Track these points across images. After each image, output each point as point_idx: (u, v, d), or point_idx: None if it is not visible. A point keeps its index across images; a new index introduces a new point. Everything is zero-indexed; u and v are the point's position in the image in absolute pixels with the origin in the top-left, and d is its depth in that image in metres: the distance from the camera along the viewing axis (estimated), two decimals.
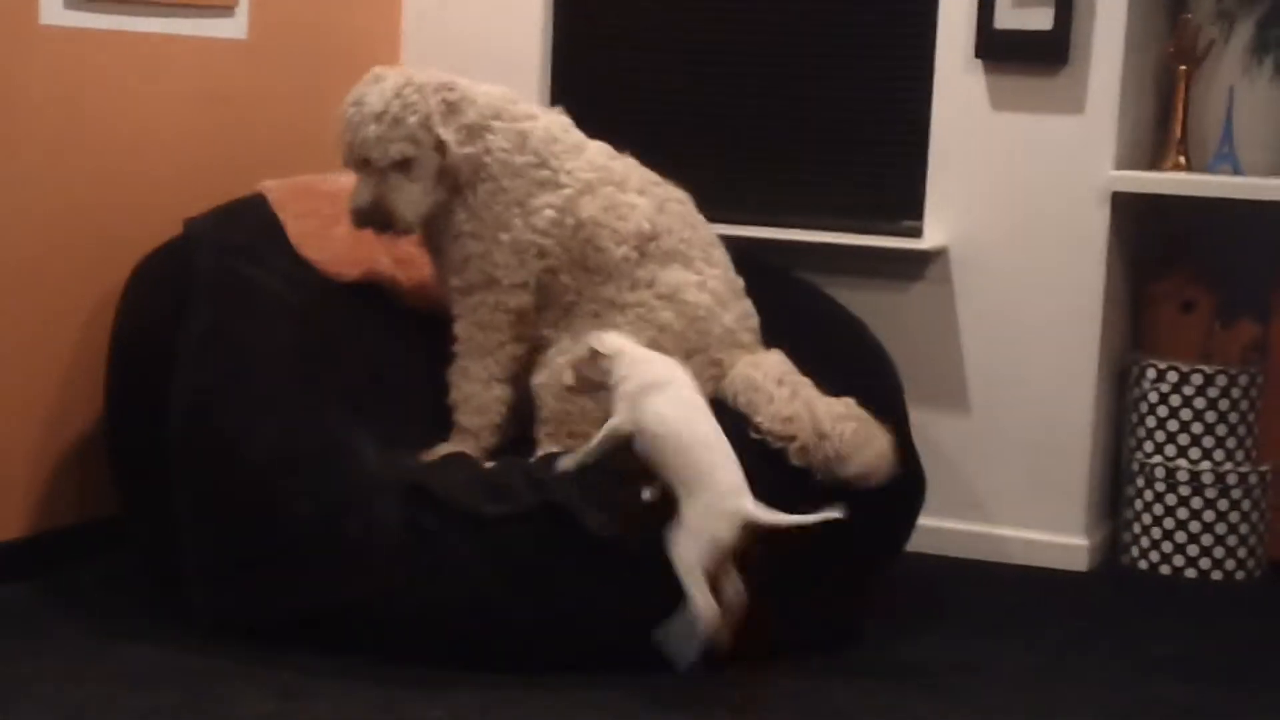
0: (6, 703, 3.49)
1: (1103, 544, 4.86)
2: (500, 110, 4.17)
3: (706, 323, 4.12)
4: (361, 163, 4.08)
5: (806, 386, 4.01)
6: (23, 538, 4.25)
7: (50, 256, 4.27)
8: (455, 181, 4.12)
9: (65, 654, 3.77)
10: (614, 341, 3.85)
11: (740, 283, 4.27)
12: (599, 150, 4.24)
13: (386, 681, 3.65)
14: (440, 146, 4.06)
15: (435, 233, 4.20)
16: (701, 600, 3.55)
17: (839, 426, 3.89)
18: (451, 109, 4.09)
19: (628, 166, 4.25)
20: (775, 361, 4.10)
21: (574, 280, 4.15)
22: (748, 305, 4.25)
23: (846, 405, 3.95)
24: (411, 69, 4.17)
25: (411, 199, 4.08)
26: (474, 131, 4.11)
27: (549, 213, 4.13)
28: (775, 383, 4.00)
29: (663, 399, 3.74)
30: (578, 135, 4.25)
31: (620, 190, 4.18)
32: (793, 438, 3.90)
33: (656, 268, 4.14)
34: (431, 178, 4.09)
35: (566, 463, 3.84)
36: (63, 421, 4.34)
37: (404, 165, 4.06)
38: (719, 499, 3.61)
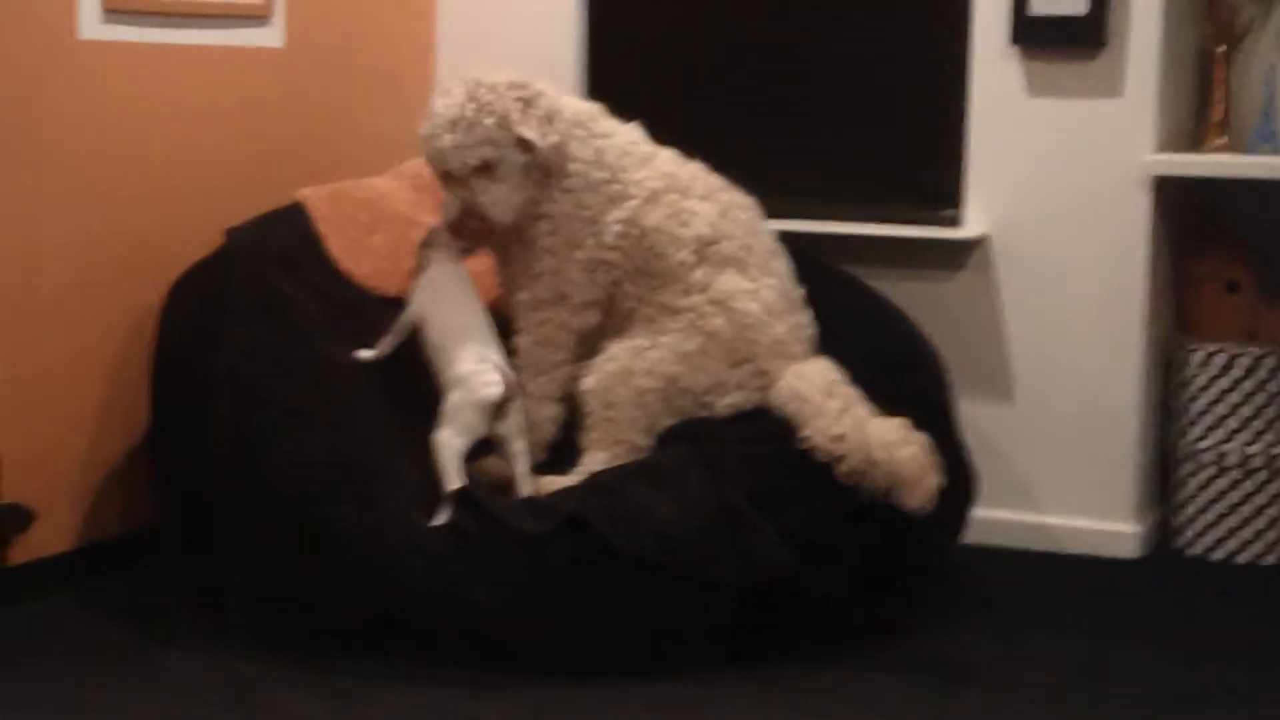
0: (58, 713, 3.52)
1: (1153, 530, 4.82)
2: (583, 123, 4.18)
3: (756, 331, 4.10)
4: (444, 175, 4.11)
5: (856, 402, 3.96)
6: (70, 550, 4.28)
7: (92, 269, 4.29)
8: (544, 175, 4.11)
9: (114, 663, 3.79)
10: (436, 235, 4.20)
11: (798, 294, 4.25)
12: (667, 158, 4.24)
13: (436, 684, 3.66)
14: (522, 143, 4.06)
15: (511, 239, 4.19)
16: (454, 485, 3.83)
17: (895, 454, 3.81)
18: (528, 104, 4.09)
19: (694, 173, 4.24)
20: (821, 370, 4.06)
21: (635, 287, 4.15)
22: (803, 316, 4.23)
23: (898, 429, 3.86)
24: (482, 72, 4.15)
25: (499, 199, 4.08)
26: (553, 121, 4.11)
27: (617, 227, 4.13)
28: (823, 395, 3.95)
29: (426, 297, 4.08)
30: (648, 147, 4.25)
31: (684, 197, 4.18)
32: (841, 458, 3.84)
33: (712, 272, 4.13)
34: (519, 175, 4.09)
35: (365, 355, 4.07)
36: (107, 434, 4.36)
37: (486, 169, 4.07)
38: (467, 393, 3.93)
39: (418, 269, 4.19)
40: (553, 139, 4.09)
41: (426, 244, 4.19)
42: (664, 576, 3.73)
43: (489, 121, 4.04)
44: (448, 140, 4.06)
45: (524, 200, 4.10)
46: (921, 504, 3.81)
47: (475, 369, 3.98)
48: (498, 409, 3.95)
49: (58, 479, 4.26)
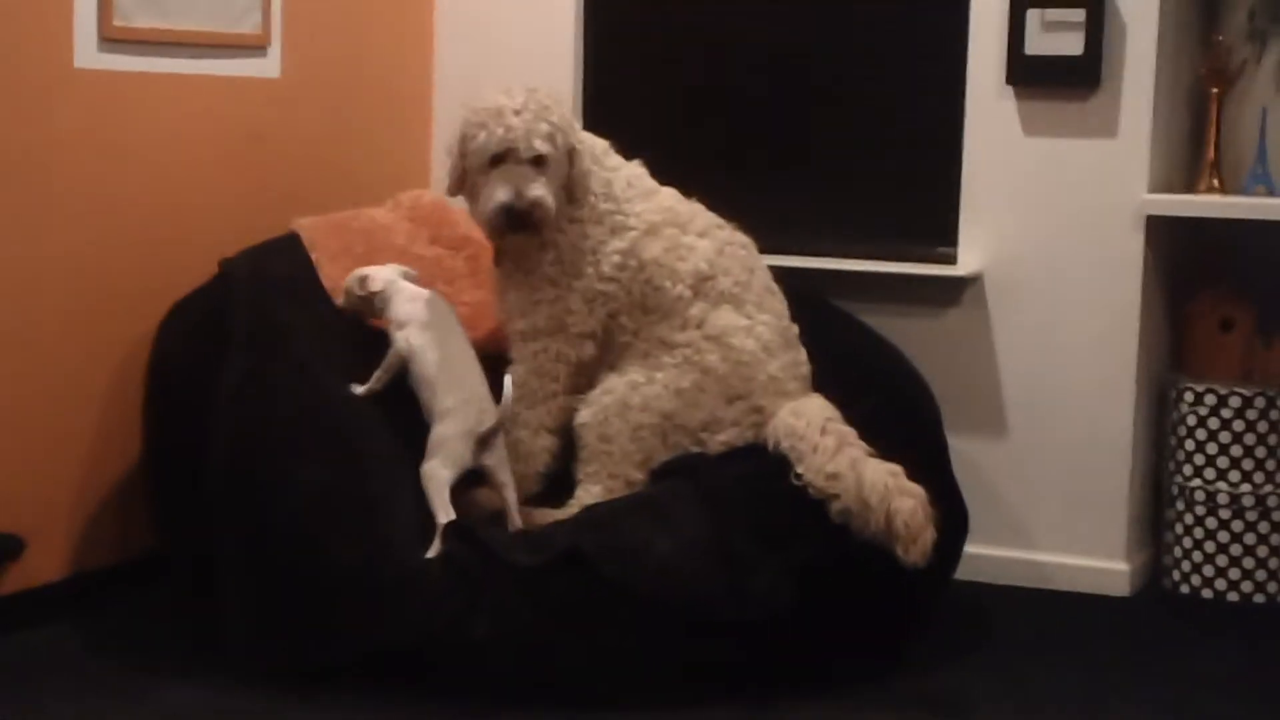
0: None
1: (1144, 568, 4.83)
2: (596, 157, 4.22)
3: (751, 369, 4.11)
4: (497, 159, 4.08)
5: (852, 441, 3.96)
6: (63, 579, 4.26)
7: (86, 297, 4.28)
8: (569, 197, 4.13)
9: (108, 695, 3.77)
10: (383, 275, 4.19)
11: (794, 331, 4.27)
12: (668, 194, 4.28)
13: (430, 715, 3.64)
14: (571, 155, 4.10)
15: (511, 267, 4.20)
16: (444, 518, 3.83)
17: (892, 506, 3.80)
18: (570, 125, 4.17)
19: (694, 210, 4.28)
20: (817, 408, 4.07)
21: (632, 321, 4.17)
22: (799, 354, 4.24)
23: (895, 476, 3.86)
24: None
25: (550, 195, 4.08)
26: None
27: (616, 258, 4.15)
28: (819, 432, 3.96)
29: (412, 331, 4.08)
30: (651, 183, 4.29)
31: (683, 232, 4.20)
32: (835, 496, 3.86)
33: (708, 307, 4.14)
34: (559, 182, 4.11)
35: (357, 390, 4.06)
36: (101, 462, 4.35)
37: (540, 162, 4.07)
38: (453, 425, 3.94)
39: (389, 305, 4.17)
40: (587, 165, 4.15)
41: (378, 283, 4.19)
42: (661, 611, 3.73)
43: (555, 119, 4.11)
44: (520, 121, 4.07)
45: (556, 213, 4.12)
46: (917, 559, 3.80)
47: (461, 400, 3.98)
48: (484, 440, 3.95)
49: (51, 507, 4.24)
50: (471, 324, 4.30)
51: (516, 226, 4.10)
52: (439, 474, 3.89)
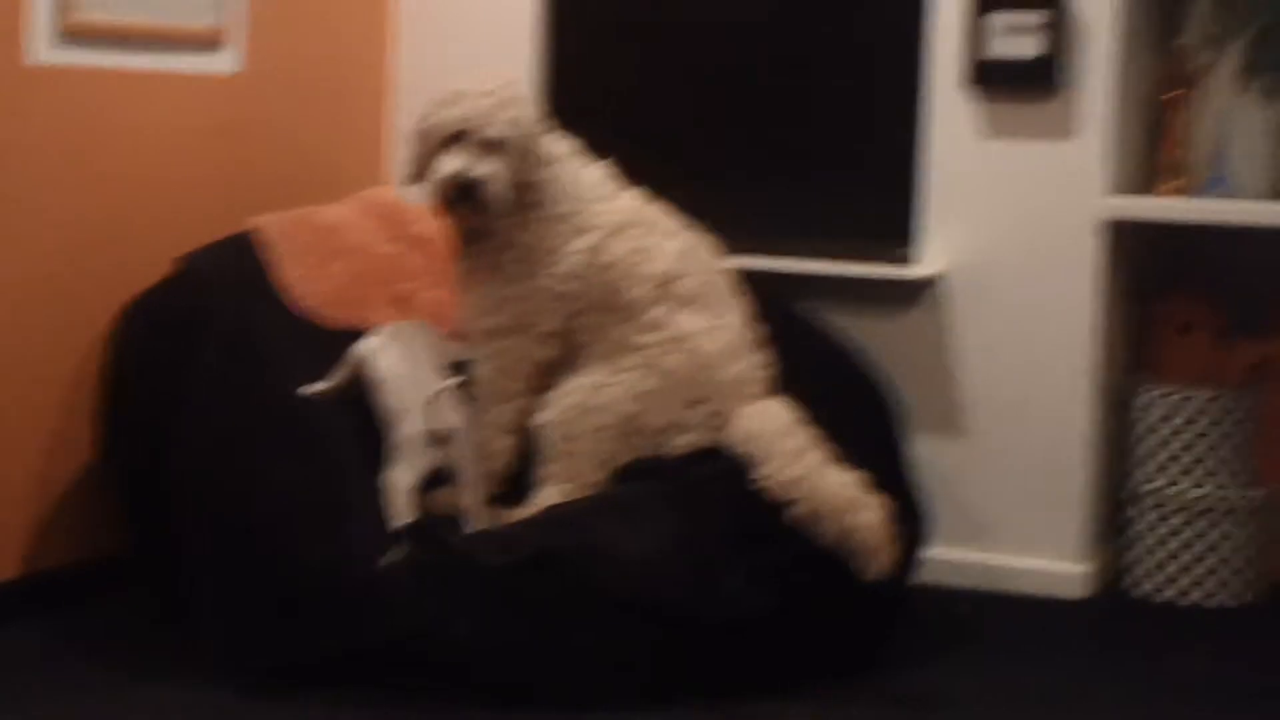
0: None
1: (1102, 570, 4.84)
2: (564, 157, 4.20)
3: (712, 371, 4.10)
4: (453, 137, 4.06)
5: (813, 445, 3.96)
6: (20, 577, 4.22)
7: (42, 294, 4.24)
8: (520, 198, 4.10)
9: (76, 695, 3.73)
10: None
11: (756, 334, 4.25)
12: (633, 196, 4.26)
13: (407, 715, 3.64)
14: (530, 152, 4.08)
15: (474, 264, 4.18)
16: (399, 523, 3.82)
17: (855, 521, 3.82)
18: (534, 123, 4.16)
19: (657, 212, 4.26)
20: (777, 412, 4.06)
21: (594, 322, 4.14)
22: (761, 357, 4.23)
23: (856, 488, 3.86)
24: None
25: (500, 178, 4.05)
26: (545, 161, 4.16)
27: (579, 258, 4.13)
28: (780, 435, 3.96)
29: (365, 339, 4.07)
30: (617, 184, 4.26)
31: (647, 233, 4.18)
32: (793, 502, 3.85)
33: (672, 309, 4.12)
34: (514, 175, 4.07)
35: (313, 389, 4.05)
36: (58, 460, 4.31)
37: (495, 147, 4.04)
38: (409, 428, 3.93)
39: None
40: (551, 168, 4.14)
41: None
42: (632, 611, 3.72)
43: (517, 112, 4.09)
44: (480, 104, 4.06)
45: (508, 201, 4.08)
46: (876, 575, 3.82)
47: (414, 402, 3.96)
48: (444, 439, 3.93)
49: (9, 504, 4.20)
50: (431, 323, 4.26)
51: (462, 199, 4.06)
52: (397, 481, 3.88)
